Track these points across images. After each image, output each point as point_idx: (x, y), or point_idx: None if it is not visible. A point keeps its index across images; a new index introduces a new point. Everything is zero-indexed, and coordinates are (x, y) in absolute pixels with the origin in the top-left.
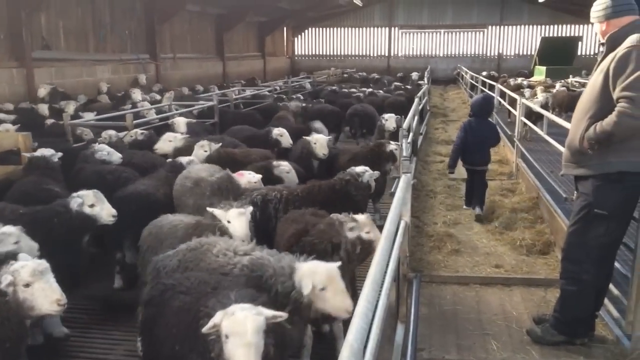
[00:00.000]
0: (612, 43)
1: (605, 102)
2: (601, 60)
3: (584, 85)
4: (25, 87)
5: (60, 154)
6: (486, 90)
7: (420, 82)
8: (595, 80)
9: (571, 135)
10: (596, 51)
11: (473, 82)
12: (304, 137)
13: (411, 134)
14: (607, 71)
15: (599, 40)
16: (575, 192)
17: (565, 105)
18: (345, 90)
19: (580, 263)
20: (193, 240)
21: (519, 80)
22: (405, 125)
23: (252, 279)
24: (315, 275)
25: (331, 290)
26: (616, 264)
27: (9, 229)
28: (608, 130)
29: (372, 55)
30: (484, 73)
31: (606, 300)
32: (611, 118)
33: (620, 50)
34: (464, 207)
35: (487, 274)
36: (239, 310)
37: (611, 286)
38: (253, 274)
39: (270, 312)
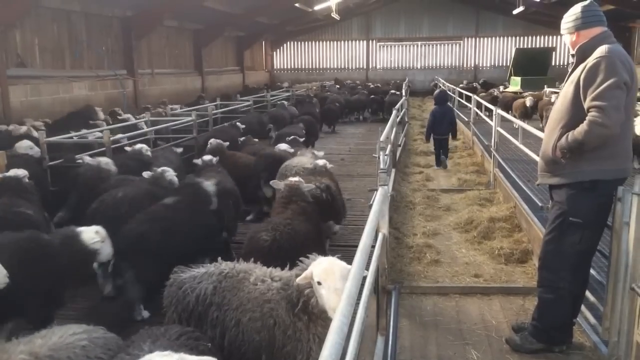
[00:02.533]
0: (582, 54)
1: (577, 111)
2: (572, 71)
3: None
4: (0, 105)
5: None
6: (463, 100)
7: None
8: (566, 91)
9: (545, 145)
10: (569, 62)
11: (450, 93)
12: None
13: (389, 146)
14: (577, 81)
15: (570, 52)
16: (551, 200)
17: None
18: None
19: (557, 271)
20: (224, 265)
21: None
22: (382, 137)
23: (286, 297)
24: (317, 266)
25: (326, 286)
26: (592, 271)
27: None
28: (579, 139)
29: (350, 67)
30: (465, 82)
31: (583, 307)
32: (582, 127)
33: (590, 60)
34: (435, 167)
35: (466, 284)
36: (156, 358)
37: (587, 293)
38: (286, 292)
39: (192, 358)
